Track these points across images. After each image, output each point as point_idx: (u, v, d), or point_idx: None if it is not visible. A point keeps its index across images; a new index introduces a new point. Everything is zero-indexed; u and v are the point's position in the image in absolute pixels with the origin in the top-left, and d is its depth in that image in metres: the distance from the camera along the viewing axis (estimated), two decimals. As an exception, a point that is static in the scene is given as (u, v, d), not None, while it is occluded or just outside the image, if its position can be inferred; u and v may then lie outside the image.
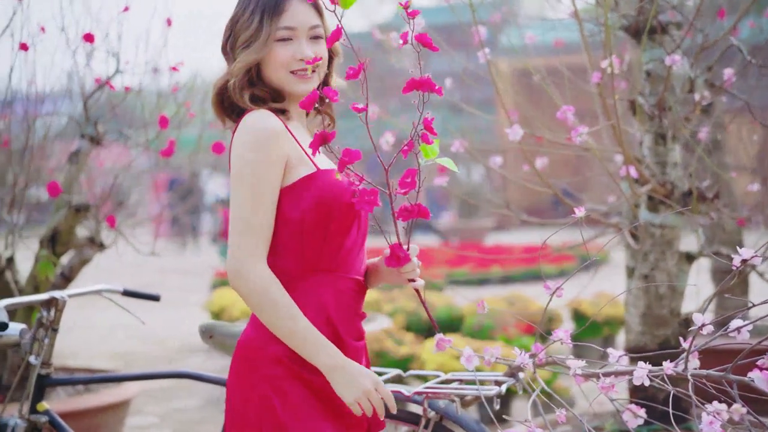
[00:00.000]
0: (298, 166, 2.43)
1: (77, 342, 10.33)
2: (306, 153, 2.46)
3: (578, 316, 9.05)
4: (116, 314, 3.73)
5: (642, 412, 2.59)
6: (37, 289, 5.20)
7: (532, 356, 2.78)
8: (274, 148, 2.39)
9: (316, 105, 2.33)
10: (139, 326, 4.41)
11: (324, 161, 2.52)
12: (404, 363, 6.59)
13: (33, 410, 3.46)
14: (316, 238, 2.42)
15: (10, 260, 5.38)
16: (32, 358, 3.45)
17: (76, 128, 5.45)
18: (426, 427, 3.00)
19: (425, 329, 8.58)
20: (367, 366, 2.58)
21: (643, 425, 2.73)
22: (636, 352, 4.13)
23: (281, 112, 2.50)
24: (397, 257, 2.41)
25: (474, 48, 4.21)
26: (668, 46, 3.96)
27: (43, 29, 5.34)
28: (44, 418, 3.46)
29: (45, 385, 3.48)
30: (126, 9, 5.24)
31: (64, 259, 5.48)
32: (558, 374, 6.25)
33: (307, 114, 2.63)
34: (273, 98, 2.51)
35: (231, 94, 2.49)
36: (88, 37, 4.92)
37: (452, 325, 8.75)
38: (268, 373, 2.41)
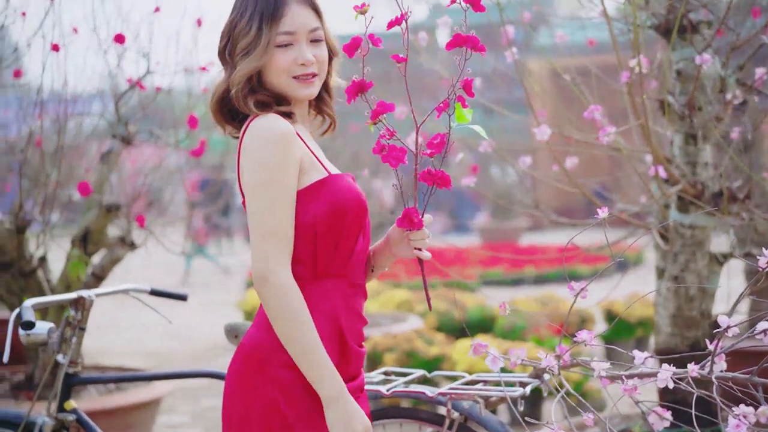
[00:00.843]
0: (310, 171, 2.42)
1: (112, 340, 10.42)
2: (316, 157, 2.45)
3: (611, 317, 8.99)
4: (150, 313, 3.74)
5: (668, 414, 2.57)
6: (68, 289, 5.23)
7: (557, 358, 2.76)
8: (289, 151, 2.36)
9: (320, 105, 2.46)
10: (173, 325, 4.42)
11: (332, 166, 2.52)
12: (434, 363, 6.57)
13: (61, 409, 3.48)
14: (328, 244, 2.41)
15: (43, 259, 5.42)
16: (60, 357, 3.47)
17: (107, 128, 5.48)
18: (450, 428, 2.99)
19: (457, 329, 8.55)
20: (360, 371, 2.56)
21: (671, 428, 2.69)
22: (665, 354, 4.09)
23: (287, 116, 2.47)
24: (410, 220, 2.42)
25: (505, 48, 4.19)
26: (699, 45, 3.92)
27: (75, 30, 5.39)
28: (72, 417, 3.48)
29: (72, 383, 3.50)
30: (157, 10, 5.27)
31: (96, 259, 5.52)
32: (589, 376, 6.20)
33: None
34: (277, 102, 2.48)
35: (234, 102, 2.46)
36: (119, 38, 4.95)
37: (484, 325, 8.72)
38: (277, 376, 2.38)
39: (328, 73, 2.57)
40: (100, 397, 5.33)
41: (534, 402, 6.10)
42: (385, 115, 2.37)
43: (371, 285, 10.99)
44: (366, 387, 3.01)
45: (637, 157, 4.55)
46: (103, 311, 10.44)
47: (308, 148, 2.45)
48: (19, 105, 5.71)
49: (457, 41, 2.33)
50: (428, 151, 2.38)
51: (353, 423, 2.33)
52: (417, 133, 2.38)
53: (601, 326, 9.09)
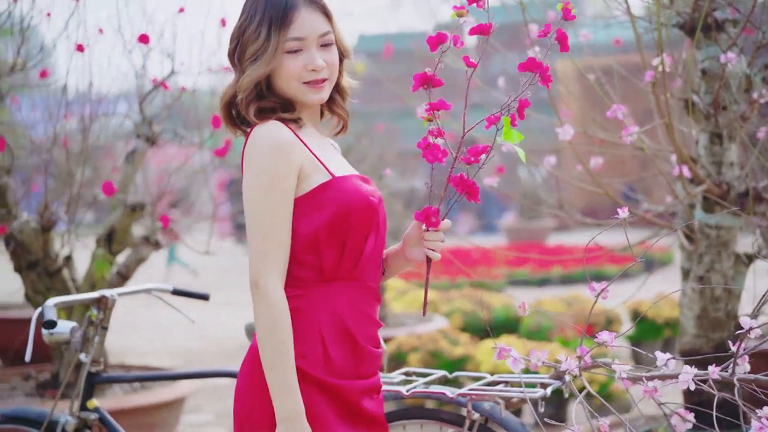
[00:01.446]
0: (312, 175, 2.41)
1: (134, 340, 10.45)
2: (320, 161, 2.43)
3: (637, 318, 8.92)
4: (176, 313, 3.75)
5: (691, 417, 2.54)
6: (93, 288, 5.26)
7: (578, 359, 2.74)
8: (286, 159, 2.36)
9: (331, 106, 2.51)
10: (199, 325, 4.44)
11: (341, 167, 2.50)
12: (458, 363, 6.55)
13: (83, 408, 3.49)
14: (334, 247, 2.40)
15: (69, 259, 5.45)
16: (82, 356, 3.48)
17: (132, 129, 5.51)
18: (470, 429, 2.98)
19: (482, 330, 8.53)
20: (376, 371, 2.54)
21: (693, 430, 2.66)
22: (690, 355, 4.06)
23: (293, 121, 2.46)
24: (428, 218, 2.42)
25: (533, 47, 4.16)
26: (724, 44, 3.88)
27: (101, 30, 5.42)
28: (94, 416, 3.49)
29: (95, 382, 3.51)
30: (181, 10, 5.29)
31: (121, 258, 5.55)
32: (612, 378, 6.15)
33: (322, 116, 2.61)
34: (283, 108, 2.46)
35: (239, 108, 2.45)
36: (144, 38, 4.97)
37: (509, 325, 8.68)
38: None
39: (340, 73, 2.54)
40: (124, 396, 5.35)
41: (558, 404, 6.07)
42: (439, 113, 2.37)
43: (397, 284, 11.04)
44: (386, 387, 3.01)
45: (662, 156, 4.51)
46: (126, 311, 10.51)
47: (312, 152, 2.43)
48: (45, 105, 5.75)
49: (529, 65, 2.33)
50: (468, 157, 2.37)
51: None
52: (462, 138, 2.37)
53: (627, 327, 9.02)
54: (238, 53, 2.46)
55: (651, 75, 3.80)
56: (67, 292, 5.20)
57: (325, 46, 2.45)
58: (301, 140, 2.42)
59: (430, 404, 4.18)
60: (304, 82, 2.43)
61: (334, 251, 2.40)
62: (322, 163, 2.43)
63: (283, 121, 2.43)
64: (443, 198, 2.43)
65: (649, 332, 8.65)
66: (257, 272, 2.34)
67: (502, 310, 9.10)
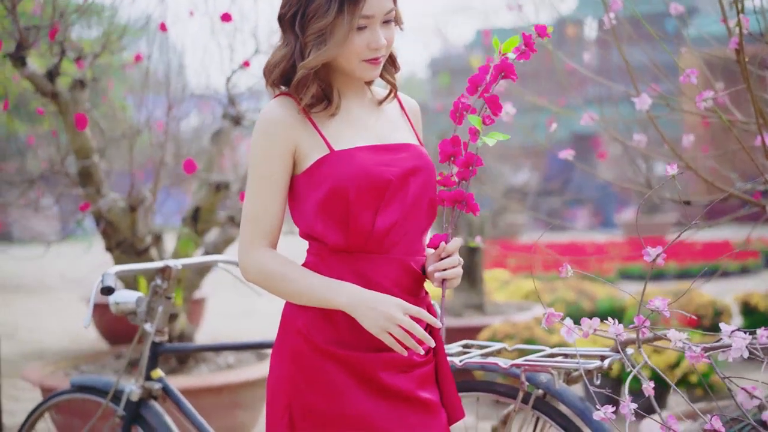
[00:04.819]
0: (311, 153, 2.37)
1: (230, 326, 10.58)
2: (322, 136, 2.38)
3: (747, 310, 8.62)
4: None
5: (758, 393, 2.39)
6: (179, 267, 5.30)
7: (635, 330, 2.60)
8: (275, 139, 2.35)
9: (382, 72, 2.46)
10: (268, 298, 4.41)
11: (354, 139, 2.42)
12: (553, 352, 6.39)
13: (148, 378, 3.51)
14: (334, 224, 2.35)
15: (158, 238, 5.52)
16: (147, 326, 3.49)
17: (217, 109, 5.55)
18: (525, 401, 2.86)
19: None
20: (440, 347, 2.48)
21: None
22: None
23: (324, 98, 2.41)
24: (437, 245, 2.42)
25: (662, 39, 4.00)
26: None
27: (192, 13, 5.47)
28: (158, 385, 3.50)
29: (159, 352, 3.52)
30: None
31: (209, 238, 5.59)
32: (719, 363, 5.92)
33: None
34: (318, 75, 2.40)
35: (295, 83, 2.37)
36: (226, 17, 4.98)
37: (613, 316, 8.44)
38: (293, 347, 2.39)
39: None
40: (210, 375, 5.39)
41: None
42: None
43: (501, 275, 10.92)
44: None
45: (746, 128, 4.27)
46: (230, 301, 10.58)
47: (316, 128, 2.38)
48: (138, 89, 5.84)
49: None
50: (460, 171, 2.37)
51: (381, 309, 2.26)
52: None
53: (737, 320, 8.73)
54: (299, 22, 2.34)
55: (735, 42, 3.61)
56: (153, 271, 5.25)
57: (387, 22, 2.38)
58: (308, 116, 2.38)
59: (486, 378, 4.07)
60: (364, 60, 2.37)
61: (336, 226, 2.35)
62: (323, 138, 2.37)
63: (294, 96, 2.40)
64: (451, 220, 2.39)
65: (760, 324, 8.33)
66: (240, 248, 2.42)
67: (607, 301, 8.91)
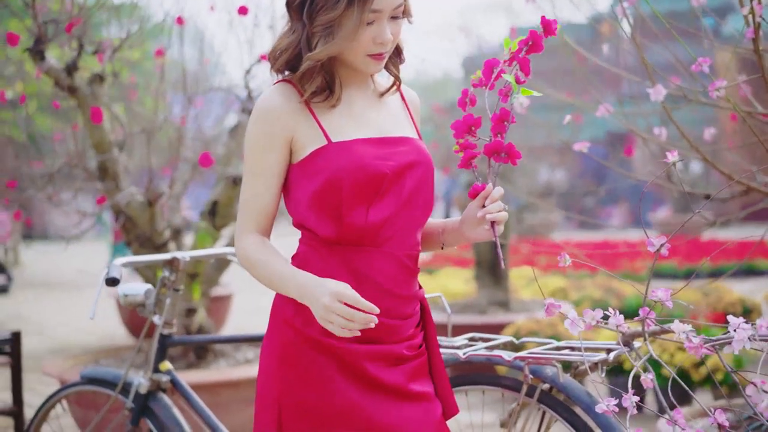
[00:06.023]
0: (308, 143, 2.33)
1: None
2: (321, 126, 2.34)
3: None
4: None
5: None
6: (198, 262, 5.30)
7: (640, 322, 2.56)
8: (268, 129, 2.33)
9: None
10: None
11: (353, 131, 2.38)
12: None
13: (156, 370, 3.50)
14: (327, 216, 2.32)
15: (178, 232, 5.52)
16: (156, 318, 3.48)
17: (236, 103, 5.54)
18: (531, 395, 2.82)
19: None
20: (393, 340, 2.42)
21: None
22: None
23: (328, 88, 2.37)
24: (478, 193, 2.38)
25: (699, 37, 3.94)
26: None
27: (212, 8, 5.47)
28: (166, 378, 3.49)
29: (167, 344, 3.51)
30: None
31: (228, 232, 5.58)
32: (744, 360, 5.83)
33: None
34: (327, 76, 2.37)
35: (300, 73, 2.34)
36: (243, 10, 4.97)
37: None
38: (282, 339, 2.38)
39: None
40: (228, 369, 5.38)
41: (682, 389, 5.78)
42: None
43: (527, 273, 10.83)
44: (443, 350, 2.89)
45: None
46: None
47: (315, 118, 2.35)
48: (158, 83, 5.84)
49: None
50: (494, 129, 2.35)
51: (318, 299, 2.22)
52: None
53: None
54: (307, 11, 2.30)
55: (752, 32, 3.54)
56: (171, 265, 5.26)
57: (394, 18, 2.33)
58: (308, 106, 2.35)
59: (493, 371, 4.02)
60: (368, 54, 2.33)
61: (328, 219, 2.32)
62: (322, 129, 2.34)
63: (295, 84, 2.37)
64: (489, 171, 2.36)
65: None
66: (235, 236, 2.44)
67: (635, 299, 8.83)
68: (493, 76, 2.36)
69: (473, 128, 2.35)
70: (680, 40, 3.74)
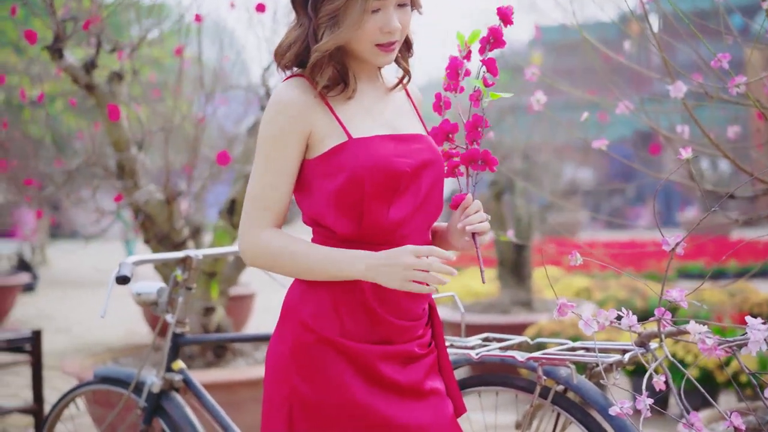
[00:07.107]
0: (327, 138, 2.28)
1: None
2: (340, 121, 2.29)
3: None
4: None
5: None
6: (215, 260, 5.28)
7: (656, 322, 2.50)
8: (286, 123, 2.26)
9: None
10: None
11: (371, 127, 2.34)
12: (599, 349, 6.26)
13: (169, 369, 3.47)
14: (348, 215, 2.27)
15: (197, 230, 5.50)
16: (168, 317, 3.46)
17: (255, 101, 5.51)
18: (544, 396, 2.77)
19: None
20: (404, 339, 2.39)
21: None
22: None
23: (341, 81, 2.33)
24: (459, 203, 2.37)
25: (727, 35, 3.87)
26: None
27: (232, 5, 5.45)
28: (179, 377, 3.47)
29: (180, 343, 3.49)
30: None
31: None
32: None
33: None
34: (339, 69, 2.34)
35: (310, 66, 2.30)
36: (260, 7, 4.95)
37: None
38: (295, 338, 2.31)
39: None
40: (247, 368, 5.36)
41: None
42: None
43: (553, 273, 10.75)
44: (456, 351, 2.85)
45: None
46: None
47: (333, 113, 2.30)
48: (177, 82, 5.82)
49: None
50: (470, 136, 2.35)
51: (396, 261, 2.19)
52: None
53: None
54: (311, 4, 2.28)
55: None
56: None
57: (402, 5, 2.30)
58: (325, 100, 2.30)
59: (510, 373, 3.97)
60: (377, 44, 2.29)
61: (349, 218, 2.27)
62: (341, 124, 2.30)
63: (311, 79, 2.31)
64: (468, 181, 2.36)
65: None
66: (241, 234, 2.34)
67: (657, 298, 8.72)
68: (460, 77, 2.35)
69: (450, 135, 2.33)
70: (701, 38, 3.66)
